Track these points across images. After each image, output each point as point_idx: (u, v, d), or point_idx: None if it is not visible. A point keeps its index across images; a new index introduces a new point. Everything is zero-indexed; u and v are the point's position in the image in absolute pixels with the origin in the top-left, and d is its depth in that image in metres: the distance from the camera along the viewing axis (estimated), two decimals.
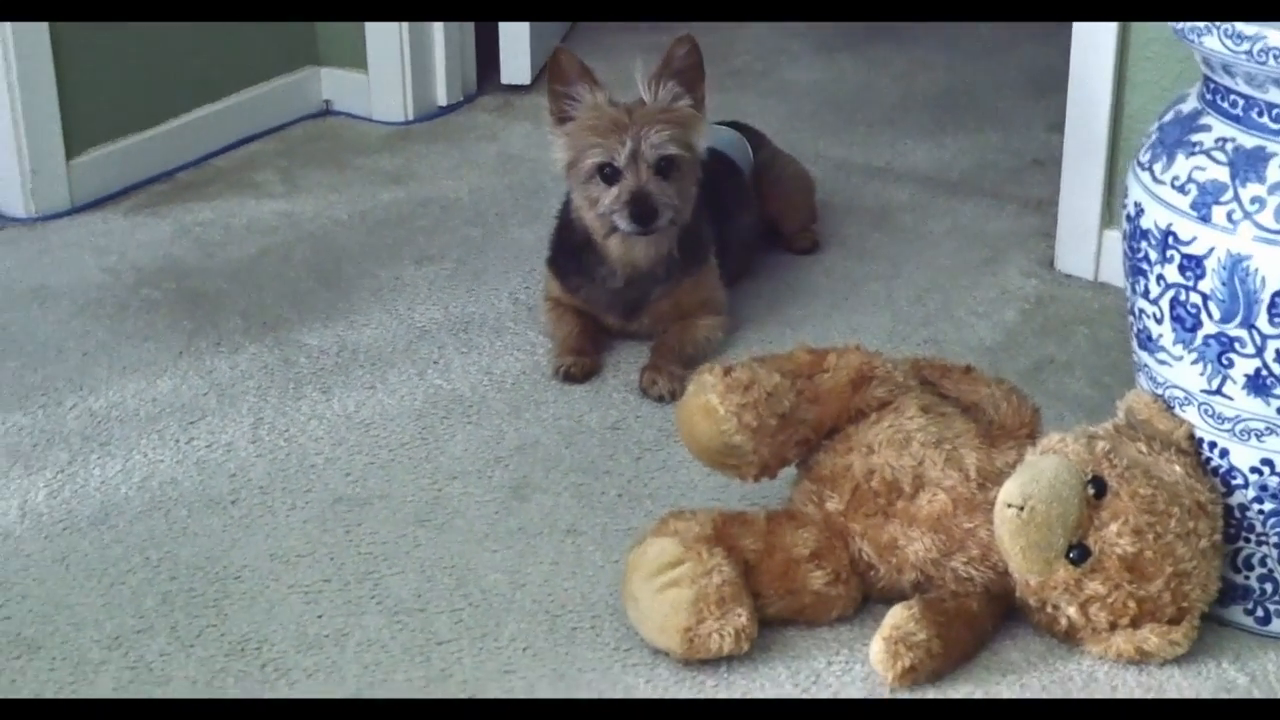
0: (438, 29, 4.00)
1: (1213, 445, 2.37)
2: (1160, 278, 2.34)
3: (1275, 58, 2.17)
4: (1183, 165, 2.31)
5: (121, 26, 3.61)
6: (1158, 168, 2.35)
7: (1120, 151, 3.25)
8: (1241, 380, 2.30)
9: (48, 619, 2.42)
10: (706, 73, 3.00)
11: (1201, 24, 2.22)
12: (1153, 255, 2.35)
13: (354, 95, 4.05)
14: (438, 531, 2.62)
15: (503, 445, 2.83)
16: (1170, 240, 2.31)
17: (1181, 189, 2.30)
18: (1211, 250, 2.27)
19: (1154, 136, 2.40)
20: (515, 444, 2.83)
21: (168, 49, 3.73)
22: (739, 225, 3.26)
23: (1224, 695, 2.30)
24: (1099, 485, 2.29)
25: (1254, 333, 2.26)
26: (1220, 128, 2.29)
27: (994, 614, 2.41)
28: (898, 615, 2.31)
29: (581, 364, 3.00)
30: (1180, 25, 2.25)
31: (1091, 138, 3.27)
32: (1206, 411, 2.36)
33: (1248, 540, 2.40)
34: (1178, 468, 2.34)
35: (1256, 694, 2.31)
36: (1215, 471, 2.38)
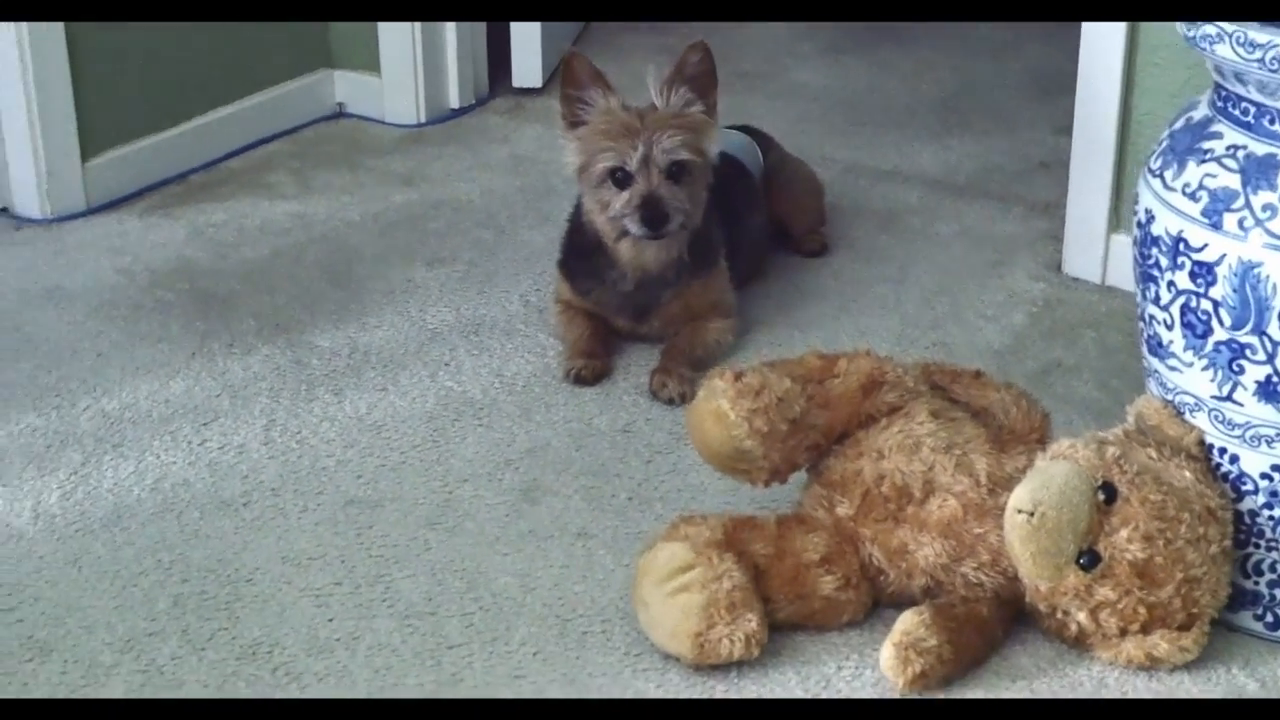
0: (450, 32, 3.97)
1: (1223, 451, 2.34)
2: (1171, 284, 2.30)
3: None
4: (1194, 172, 2.27)
5: (136, 29, 3.58)
6: (1169, 175, 2.31)
7: (1128, 156, 3.21)
8: (1252, 387, 2.26)
9: (59, 621, 2.38)
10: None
11: (1213, 32, 2.18)
12: (1163, 262, 2.31)
13: (367, 98, 4.02)
14: (448, 534, 2.58)
15: (513, 448, 2.79)
16: (1181, 247, 2.27)
17: (1193, 196, 2.26)
18: (1223, 257, 2.23)
19: (1165, 143, 2.36)
20: (526, 446, 2.80)
21: (182, 52, 3.70)
22: (749, 228, 3.22)
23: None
24: (1109, 491, 2.26)
25: (1265, 339, 2.22)
26: (1231, 135, 2.25)
27: (1004, 619, 2.37)
28: (908, 621, 2.27)
29: (592, 366, 2.97)
30: (1192, 33, 2.21)
31: (1099, 142, 3.23)
32: (1217, 418, 2.32)
33: (1257, 546, 2.36)
34: (1188, 473, 2.31)
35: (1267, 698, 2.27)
36: (1225, 477, 2.35)
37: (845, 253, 3.43)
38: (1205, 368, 2.30)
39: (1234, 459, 2.33)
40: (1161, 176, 2.32)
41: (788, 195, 3.37)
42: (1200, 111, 2.33)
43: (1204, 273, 2.25)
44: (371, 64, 3.99)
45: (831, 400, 2.42)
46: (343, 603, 2.43)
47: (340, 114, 4.05)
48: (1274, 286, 2.19)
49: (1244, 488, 2.34)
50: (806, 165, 3.49)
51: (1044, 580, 2.26)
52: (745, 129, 3.39)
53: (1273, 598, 2.38)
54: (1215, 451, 2.34)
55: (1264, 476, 2.32)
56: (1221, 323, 2.25)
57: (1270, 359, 2.23)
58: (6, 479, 2.70)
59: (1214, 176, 2.25)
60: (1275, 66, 2.13)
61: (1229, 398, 2.29)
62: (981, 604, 2.35)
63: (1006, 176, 3.77)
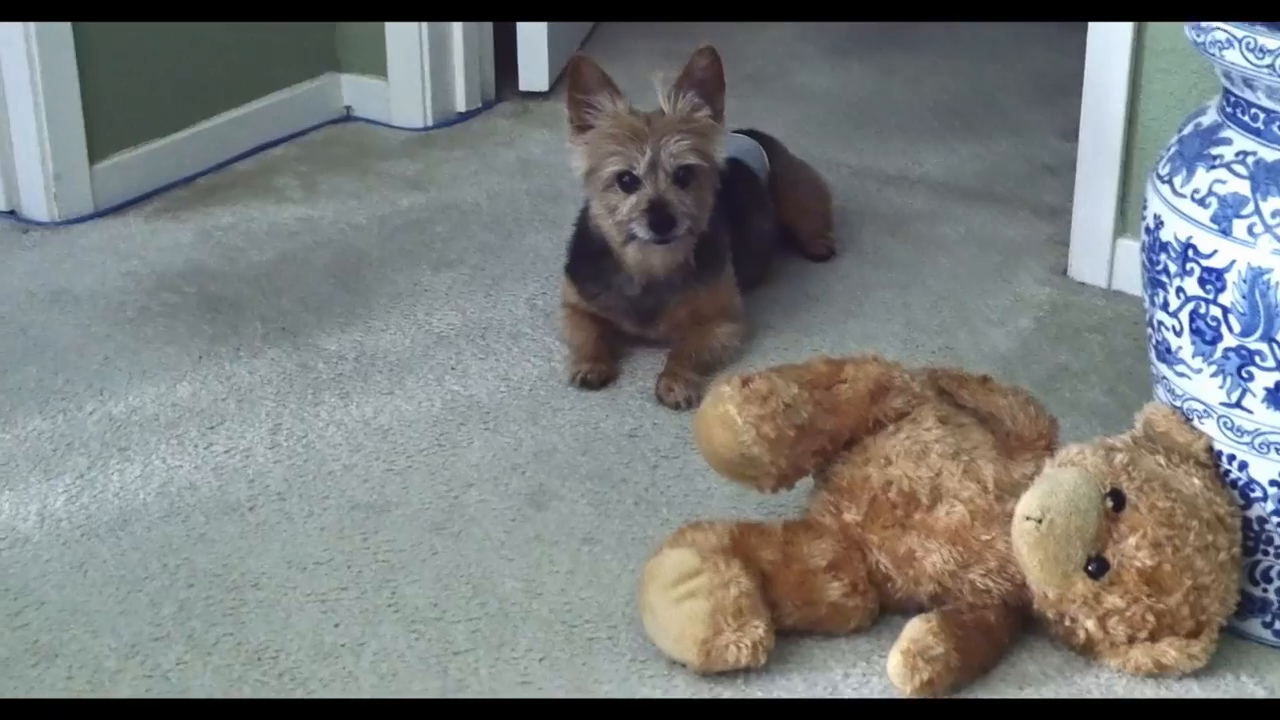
0: (457, 36, 3.94)
1: (1232, 458, 2.31)
2: (1180, 290, 2.27)
3: None
4: (1203, 178, 2.25)
5: (144, 33, 3.55)
6: (1178, 180, 2.28)
7: (1134, 160, 3.18)
8: (1261, 394, 2.23)
9: (65, 626, 2.36)
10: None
11: (1223, 38, 2.15)
12: (1172, 268, 2.28)
13: (374, 101, 3.99)
14: (454, 539, 2.55)
15: (520, 452, 2.77)
16: (1190, 253, 2.25)
17: (1202, 202, 2.24)
18: (1232, 263, 2.20)
19: (1173, 149, 2.33)
20: (532, 451, 2.77)
21: (190, 55, 3.67)
22: (756, 233, 3.20)
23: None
24: (1117, 498, 2.23)
25: (1274, 346, 2.20)
26: (1241, 141, 2.23)
27: (1011, 626, 2.35)
28: (916, 628, 2.25)
29: (598, 371, 2.94)
30: (1201, 39, 2.19)
31: (1106, 146, 3.20)
32: (1226, 424, 2.29)
33: (1266, 553, 2.34)
34: (1196, 480, 2.28)
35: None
36: (1234, 484, 2.32)
37: (851, 257, 3.40)
38: (1214, 374, 2.27)
39: (1243, 466, 2.30)
40: (1170, 182, 2.30)
41: (794, 199, 3.34)
42: (1209, 117, 2.30)
43: (1213, 279, 2.22)
44: (378, 68, 3.96)
45: (839, 406, 2.40)
46: (348, 608, 2.40)
47: (347, 117, 4.02)
48: None
49: (1253, 495, 2.31)
50: (813, 169, 3.46)
51: (1052, 587, 2.24)
52: (751, 133, 3.36)
53: None
54: (1224, 458, 2.32)
55: (1273, 483, 2.29)
56: (1231, 329, 2.22)
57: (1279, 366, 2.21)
58: (13, 483, 2.67)
59: (1223, 183, 2.22)
60: None
61: (1238, 404, 2.26)
62: (989, 611, 2.33)
63: (1012, 180, 3.75)
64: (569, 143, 2.97)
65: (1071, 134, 3.36)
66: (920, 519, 2.34)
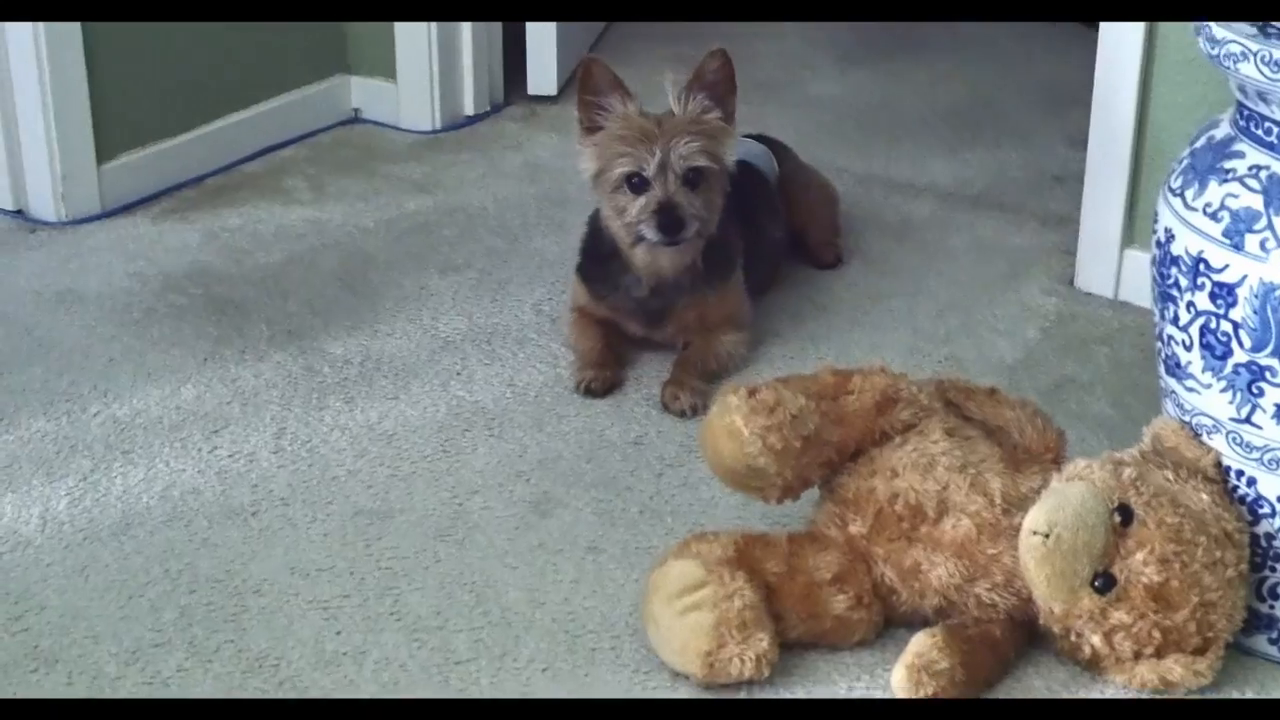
0: (466, 40, 3.91)
1: (1240, 474, 2.27)
2: (1190, 304, 2.23)
3: None
4: (1215, 192, 2.20)
5: (153, 33, 3.52)
6: (1189, 194, 2.24)
7: (1143, 170, 3.14)
8: (1271, 409, 2.20)
9: (65, 631, 2.32)
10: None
11: (1237, 50, 2.11)
12: (1183, 282, 2.24)
13: (383, 104, 3.95)
14: (458, 547, 2.51)
15: (524, 459, 2.73)
16: (1201, 267, 2.21)
17: (1214, 216, 2.20)
18: (1244, 278, 2.16)
19: (1185, 162, 2.29)
20: (537, 458, 2.73)
21: (199, 56, 3.64)
22: (768, 238, 3.16)
23: None
24: (1125, 513, 2.19)
25: None
26: (1254, 155, 2.18)
27: (1017, 641, 2.31)
28: (921, 643, 2.21)
29: (603, 378, 2.90)
30: (1215, 51, 2.14)
31: (1114, 155, 3.16)
32: (1235, 440, 2.25)
33: (1273, 569, 2.30)
34: (1205, 496, 2.24)
35: None
36: (1242, 500, 2.28)
37: (859, 264, 3.36)
38: (1224, 389, 2.23)
39: (1251, 482, 2.27)
40: (1182, 196, 2.25)
41: (803, 205, 3.30)
42: (1222, 130, 2.26)
43: (1224, 294, 2.18)
44: (388, 70, 3.92)
45: (845, 417, 2.36)
46: (351, 616, 2.36)
47: (356, 119, 3.98)
48: None
49: (1261, 511, 2.27)
50: (822, 175, 3.42)
51: (1058, 603, 2.20)
52: (760, 138, 3.32)
53: None
54: (1232, 474, 2.28)
55: None
56: (1241, 344, 2.18)
57: None
58: (15, 485, 2.63)
59: (1236, 197, 2.18)
60: None
61: (1248, 420, 2.22)
62: (995, 625, 2.29)
63: (1020, 189, 3.70)
64: (578, 144, 2.93)
65: (1080, 143, 3.31)
66: (926, 532, 2.30)
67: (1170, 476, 2.25)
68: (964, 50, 4.47)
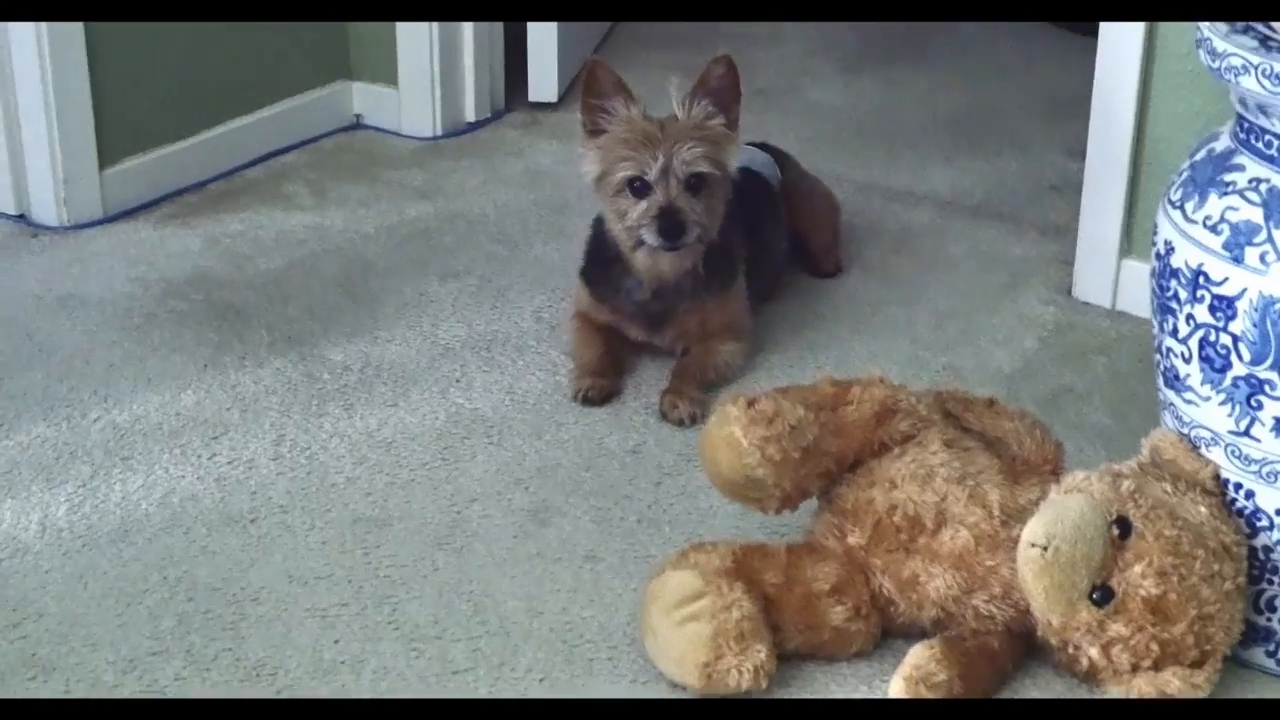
0: (467, 46, 3.88)
1: (1238, 486, 2.25)
2: (1190, 317, 2.21)
3: None
4: (1215, 205, 2.18)
5: (155, 39, 3.50)
6: (1189, 207, 2.22)
7: (1141, 180, 3.12)
8: (1270, 423, 2.18)
9: (63, 639, 2.30)
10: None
11: (1239, 64, 2.09)
12: (1182, 294, 2.22)
13: (384, 110, 3.93)
14: (456, 555, 2.49)
15: (523, 467, 2.70)
16: (1201, 280, 2.18)
17: (1214, 229, 2.17)
18: (1243, 291, 2.14)
19: (1185, 175, 2.27)
20: (536, 466, 2.71)
21: (201, 61, 3.61)
22: (773, 246, 3.14)
23: None
24: (1124, 525, 2.17)
25: None
26: (1254, 168, 2.16)
27: (1015, 652, 2.29)
28: (919, 655, 2.19)
29: (601, 387, 2.87)
30: (1216, 64, 2.12)
31: (1112, 165, 3.14)
32: (1233, 453, 2.23)
33: (1271, 582, 2.28)
34: (1203, 509, 2.22)
35: None
36: (1240, 513, 2.26)
37: (858, 273, 3.34)
38: (1223, 402, 2.21)
39: (1249, 494, 2.25)
40: (1182, 208, 2.23)
41: (805, 213, 3.28)
42: (1222, 143, 2.24)
43: (1224, 307, 2.16)
44: (389, 76, 3.90)
45: (844, 428, 2.34)
46: (349, 624, 2.34)
47: (358, 125, 3.96)
48: None
49: (1259, 523, 2.25)
50: (822, 184, 3.39)
51: (1056, 615, 2.18)
52: (763, 146, 3.29)
53: None
54: (1231, 487, 2.26)
55: (1279, 513, 2.22)
56: (1241, 357, 2.16)
57: None
58: (15, 491, 2.61)
59: (1236, 210, 2.16)
60: None
61: (1246, 433, 2.20)
62: (992, 637, 2.27)
63: (1018, 198, 3.68)
64: (581, 146, 2.91)
65: (1078, 153, 3.29)
66: (925, 543, 2.28)
67: (1169, 489, 2.23)
68: (964, 59, 4.45)
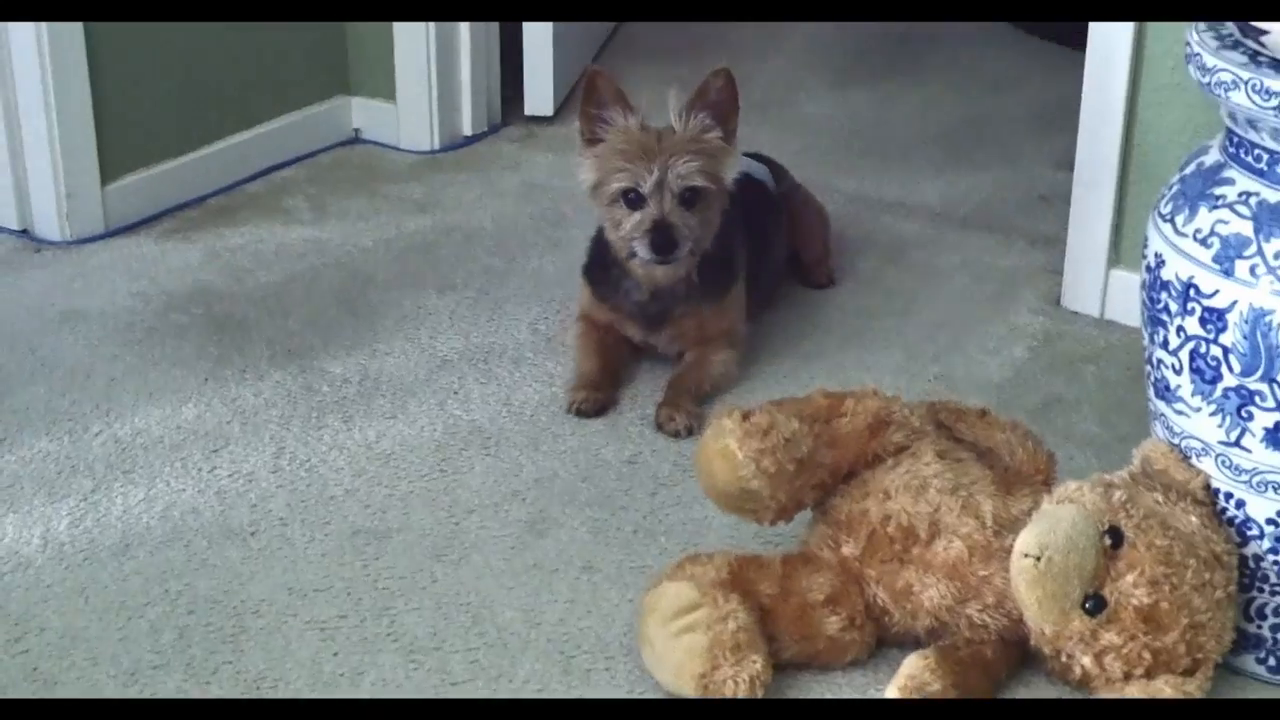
0: (464, 61, 3.85)
1: (1229, 496, 2.23)
2: (1180, 329, 2.18)
3: None
4: (1205, 218, 2.15)
5: (157, 55, 3.47)
6: (1180, 220, 2.19)
7: (1129, 192, 3.09)
8: (1260, 433, 2.15)
9: (65, 653, 2.27)
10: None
11: (1228, 79, 2.06)
12: (1173, 307, 2.19)
13: (383, 124, 3.90)
14: (454, 567, 2.46)
15: (520, 478, 2.67)
16: (1192, 292, 2.16)
17: (1204, 242, 2.15)
18: (1234, 304, 2.11)
19: (1175, 188, 2.24)
20: (533, 477, 2.68)
21: (202, 77, 3.59)
22: (774, 254, 3.12)
23: None
24: (1116, 535, 2.14)
25: (1275, 387, 2.11)
26: (1244, 181, 2.14)
27: (1008, 661, 2.27)
28: (913, 665, 2.16)
29: (594, 400, 2.85)
30: (1206, 79, 2.10)
31: (1101, 177, 3.11)
32: (1224, 463, 2.20)
33: (1261, 590, 2.25)
34: (1194, 518, 2.20)
35: None
36: (1231, 522, 2.24)
37: (851, 284, 3.31)
38: (1213, 413, 2.18)
39: (1240, 504, 2.22)
40: (1172, 221, 2.20)
41: (800, 225, 3.25)
42: (1212, 156, 2.21)
43: (1214, 319, 2.13)
44: (387, 91, 3.87)
45: (839, 440, 2.31)
46: (347, 636, 2.31)
47: (356, 140, 3.93)
48: None
49: (1249, 533, 2.23)
50: (814, 196, 3.36)
51: (1049, 624, 2.15)
52: (757, 157, 3.27)
53: (1275, 641, 2.28)
54: (1221, 496, 2.23)
55: (1270, 522, 2.21)
56: (1231, 369, 2.14)
57: None
58: (17, 505, 2.58)
59: (1226, 223, 2.13)
60: None
61: (1237, 443, 2.18)
62: (986, 646, 2.25)
63: (1008, 209, 3.65)
64: (579, 154, 2.88)
65: (1067, 165, 3.26)
66: (918, 553, 2.26)
67: (1160, 499, 2.20)
68: (954, 73, 4.42)
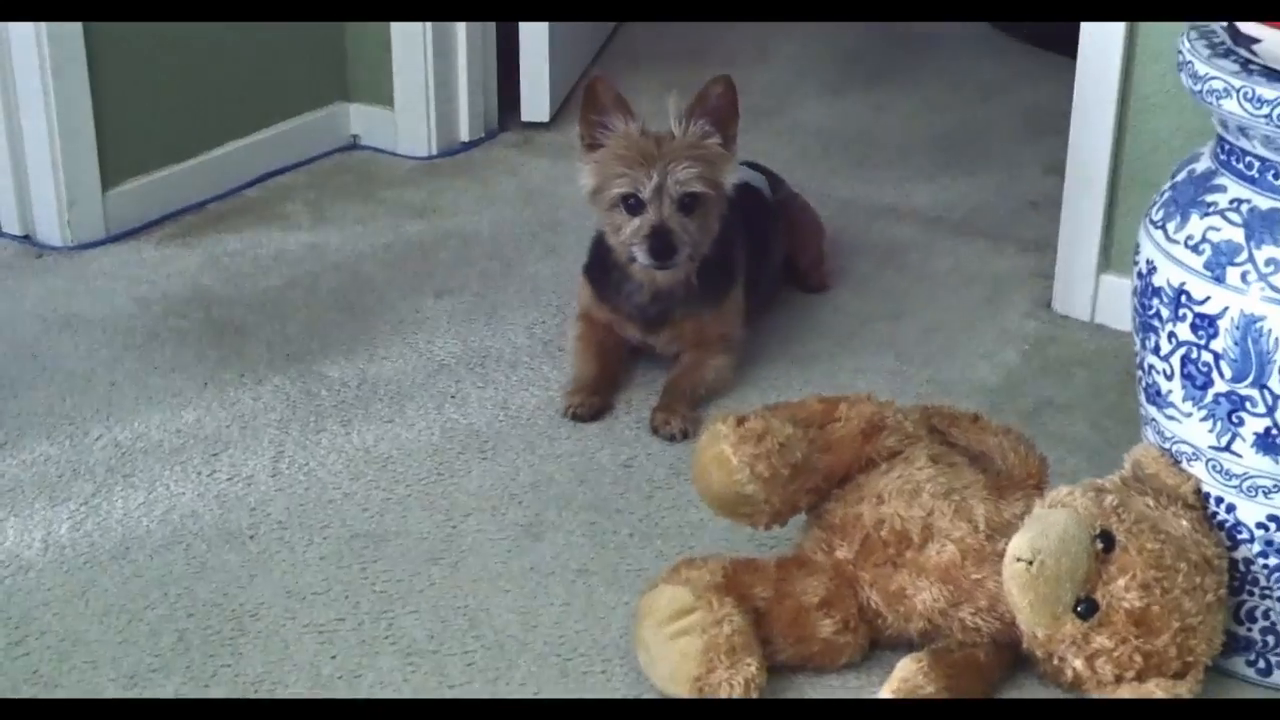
0: (462, 68, 3.84)
1: (1219, 500, 2.21)
2: (1172, 335, 2.17)
3: None
4: (1197, 225, 2.14)
5: (157, 62, 3.45)
6: (1171, 226, 2.18)
7: (1119, 197, 3.08)
8: (1251, 438, 2.13)
9: (65, 656, 2.25)
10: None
11: (1220, 87, 2.05)
12: (1164, 313, 2.17)
13: (381, 130, 3.88)
14: (452, 570, 2.44)
15: (517, 482, 2.66)
16: (1183, 299, 2.14)
17: (1195, 249, 2.13)
18: (1225, 310, 2.10)
19: (1167, 195, 2.22)
20: (529, 481, 2.66)
21: (202, 84, 3.57)
22: (772, 260, 3.11)
23: None
24: (1107, 540, 2.13)
25: (1265, 392, 2.10)
26: (1235, 189, 2.12)
27: (1001, 663, 2.25)
28: (906, 668, 2.15)
29: (590, 404, 2.83)
30: (1198, 87, 2.08)
31: (1091, 183, 3.09)
32: (1214, 468, 2.19)
33: (1251, 593, 2.24)
34: (1184, 522, 2.18)
35: None
36: (1221, 526, 2.22)
37: (844, 288, 3.29)
38: (1204, 418, 2.17)
39: (1230, 508, 2.21)
40: (1164, 228, 2.19)
41: (796, 232, 3.23)
42: (1203, 164, 2.20)
43: (1205, 325, 2.12)
44: (386, 98, 3.85)
45: (833, 444, 2.30)
46: (346, 639, 2.30)
47: (355, 146, 3.91)
48: (1276, 340, 2.07)
49: (1239, 536, 2.21)
50: (810, 204, 3.34)
51: (1041, 628, 2.13)
52: (753, 165, 3.25)
53: (1265, 644, 2.26)
54: (1212, 500, 2.22)
55: (1260, 526, 2.19)
56: (1222, 375, 2.12)
57: (1270, 412, 2.10)
58: (18, 509, 2.56)
59: (1217, 230, 2.12)
60: None
61: (1227, 448, 2.16)
62: (979, 649, 2.23)
63: (1000, 215, 3.63)
64: (579, 160, 2.86)
65: (1057, 171, 3.24)
66: (912, 557, 2.24)
67: (1151, 503, 2.19)
68: (946, 79, 4.40)
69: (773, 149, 3.75)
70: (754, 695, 2.14)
